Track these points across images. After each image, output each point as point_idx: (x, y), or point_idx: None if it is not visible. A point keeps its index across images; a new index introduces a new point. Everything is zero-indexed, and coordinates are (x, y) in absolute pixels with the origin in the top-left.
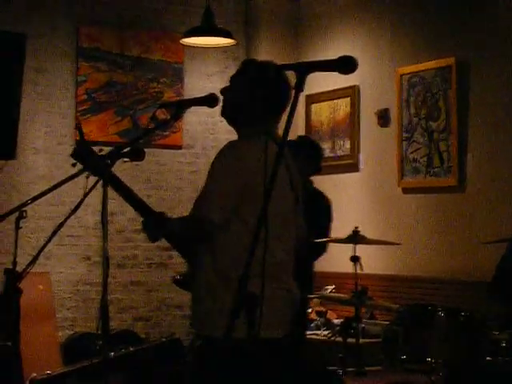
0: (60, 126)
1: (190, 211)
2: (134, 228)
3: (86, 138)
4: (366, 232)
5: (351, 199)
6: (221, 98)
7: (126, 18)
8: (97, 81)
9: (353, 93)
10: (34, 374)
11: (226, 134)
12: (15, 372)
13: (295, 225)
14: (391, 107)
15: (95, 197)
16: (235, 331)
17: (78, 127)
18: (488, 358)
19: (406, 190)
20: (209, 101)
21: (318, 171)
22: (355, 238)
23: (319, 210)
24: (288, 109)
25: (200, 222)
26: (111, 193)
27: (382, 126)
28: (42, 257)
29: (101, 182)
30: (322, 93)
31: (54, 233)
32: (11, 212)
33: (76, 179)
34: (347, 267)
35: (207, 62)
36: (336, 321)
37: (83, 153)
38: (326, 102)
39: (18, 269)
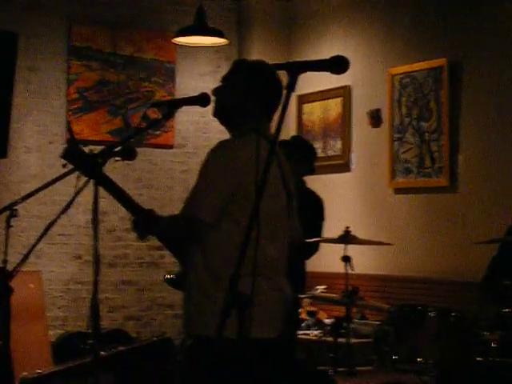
0: (52, 125)
1: (181, 210)
2: (125, 227)
3: (77, 137)
4: (357, 232)
5: (342, 199)
6: (213, 98)
7: (119, 17)
8: (89, 80)
9: (344, 93)
10: (25, 373)
11: (218, 133)
12: (5, 371)
13: (288, 224)
14: (383, 107)
15: (86, 195)
16: (226, 331)
17: (69, 127)
18: (479, 359)
19: (397, 191)
20: (201, 100)
21: (312, 172)
22: (346, 238)
23: (312, 210)
24: (280, 108)
25: (190, 221)
26: (102, 192)
27: (373, 127)
28: (32, 255)
29: (92, 181)
30: (314, 93)
31: (45, 231)
32: (2, 211)
33: (67, 178)
34: (338, 267)
35: (199, 61)
36: (327, 321)
37: (73, 153)
38: (317, 102)
39: (9, 267)
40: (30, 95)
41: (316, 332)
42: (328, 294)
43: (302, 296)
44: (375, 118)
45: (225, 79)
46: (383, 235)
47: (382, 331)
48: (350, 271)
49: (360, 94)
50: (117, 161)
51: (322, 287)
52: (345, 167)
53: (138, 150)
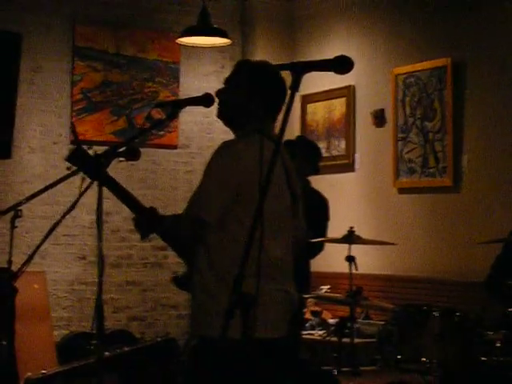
0: (55, 126)
1: (184, 210)
2: (129, 228)
3: (81, 138)
4: (361, 232)
5: (346, 199)
6: (216, 100)
7: (122, 17)
8: (92, 80)
9: (348, 93)
10: (29, 374)
11: (222, 133)
12: (10, 371)
13: (293, 224)
14: (387, 107)
15: (90, 196)
16: (230, 331)
17: (73, 129)
18: (483, 358)
19: (401, 190)
20: (204, 101)
21: (316, 172)
22: (350, 237)
23: (316, 210)
24: (284, 108)
25: (193, 221)
26: (106, 192)
27: (377, 126)
28: (37, 256)
29: (96, 182)
30: (318, 93)
31: (50, 232)
32: (7, 211)
33: (71, 179)
34: (342, 267)
35: (203, 61)
36: (331, 321)
37: (78, 156)
38: (321, 102)
39: (14, 268)
40: (33, 96)
41: (320, 332)
42: (332, 294)
43: (307, 296)
44: (379, 118)
45: (228, 81)
46: (387, 235)
47: (386, 331)
48: (353, 271)
49: (364, 94)
50: (121, 161)
51: (326, 287)
52: (349, 167)
53: (142, 150)
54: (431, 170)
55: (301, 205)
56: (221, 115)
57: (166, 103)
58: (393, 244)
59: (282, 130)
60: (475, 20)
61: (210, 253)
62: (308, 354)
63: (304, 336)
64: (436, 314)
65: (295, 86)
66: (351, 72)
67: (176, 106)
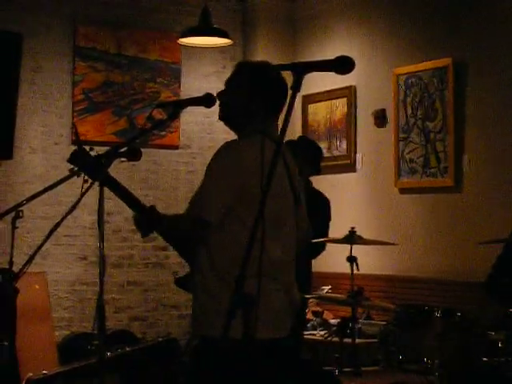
0: (57, 126)
1: (185, 210)
2: (130, 228)
3: (82, 139)
4: (362, 232)
5: (348, 199)
6: (218, 101)
7: (123, 17)
8: (94, 81)
9: (349, 93)
10: (30, 374)
11: (223, 134)
12: (11, 372)
13: (295, 225)
14: (388, 107)
15: (92, 196)
16: (232, 331)
17: (74, 130)
18: (484, 359)
19: (402, 191)
20: (206, 101)
21: (318, 172)
22: (352, 238)
23: (318, 210)
24: (285, 109)
25: (194, 221)
26: (108, 193)
27: (378, 127)
28: (38, 256)
29: (97, 182)
30: (319, 93)
31: (51, 232)
32: (7, 212)
33: (72, 179)
34: (344, 267)
35: (204, 61)
36: (332, 321)
37: (79, 156)
38: (322, 102)
39: (15, 269)
40: (34, 96)
41: (322, 332)
42: (333, 295)
43: (308, 296)
44: (380, 118)
45: (228, 82)
46: (388, 235)
47: (387, 331)
48: (355, 271)
49: (365, 94)
50: (122, 161)
51: (328, 287)
52: (350, 167)
53: (143, 150)
54: (432, 170)
55: (304, 205)
56: (223, 117)
57: (167, 103)
58: (394, 244)
59: (284, 130)
60: (475, 20)
61: (211, 253)
62: (309, 354)
63: (305, 336)
64: (438, 314)
65: (296, 87)
66: (352, 72)
67: (177, 107)
